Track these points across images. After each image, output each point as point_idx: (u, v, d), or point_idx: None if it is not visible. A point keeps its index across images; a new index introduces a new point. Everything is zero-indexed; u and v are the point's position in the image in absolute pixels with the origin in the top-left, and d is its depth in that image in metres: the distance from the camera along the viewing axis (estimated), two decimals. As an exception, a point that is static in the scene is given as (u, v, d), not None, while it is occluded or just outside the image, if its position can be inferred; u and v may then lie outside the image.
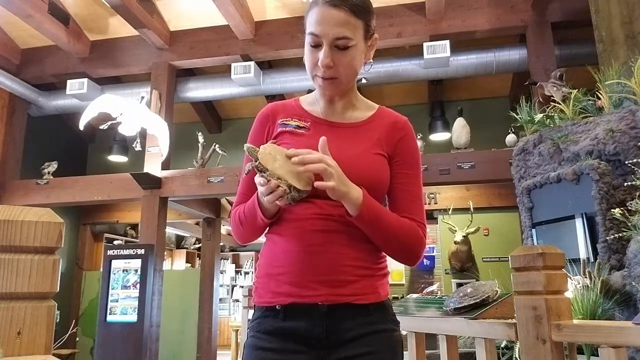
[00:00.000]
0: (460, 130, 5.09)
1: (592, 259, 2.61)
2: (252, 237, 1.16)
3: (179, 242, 10.78)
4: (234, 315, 10.07)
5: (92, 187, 5.63)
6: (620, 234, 2.46)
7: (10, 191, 5.75)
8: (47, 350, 0.85)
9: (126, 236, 8.61)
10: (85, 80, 5.74)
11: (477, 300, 1.70)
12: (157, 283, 5.17)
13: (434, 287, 5.20)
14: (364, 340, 1.03)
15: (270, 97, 6.23)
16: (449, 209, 5.59)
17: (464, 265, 5.60)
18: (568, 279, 1.84)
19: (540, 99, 3.69)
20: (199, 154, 5.65)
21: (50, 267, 0.86)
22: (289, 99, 1.27)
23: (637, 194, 2.46)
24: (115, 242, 7.80)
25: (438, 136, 6.53)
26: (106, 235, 8.00)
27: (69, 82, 5.76)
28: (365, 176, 1.07)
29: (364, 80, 5.02)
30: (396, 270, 6.10)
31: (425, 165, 4.76)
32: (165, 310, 5.44)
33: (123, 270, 5.04)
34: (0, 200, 5.66)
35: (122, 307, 4.94)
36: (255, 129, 1.20)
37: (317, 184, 0.98)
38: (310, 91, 1.25)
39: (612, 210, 2.54)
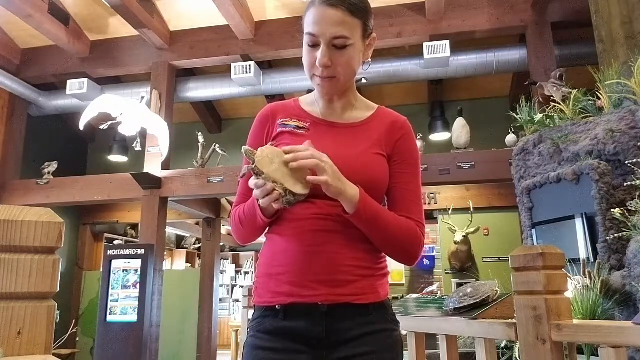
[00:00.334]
0: (460, 130, 5.09)
1: (592, 259, 2.61)
2: (252, 237, 1.16)
3: (179, 242, 10.78)
4: (234, 315, 10.07)
5: (92, 187, 5.63)
6: (620, 234, 2.46)
7: (10, 191, 5.75)
8: (47, 350, 0.85)
9: (126, 236, 8.62)
10: (85, 80, 5.75)
11: (477, 300, 1.70)
12: (157, 283, 5.17)
13: (434, 287, 5.21)
14: (364, 340, 1.03)
15: (270, 97, 6.23)
16: (449, 209, 5.59)
17: (464, 265, 5.60)
18: (568, 279, 1.84)
19: (540, 99, 3.68)
20: (199, 154, 5.65)
21: (50, 267, 0.86)
22: (289, 99, 1.27)
23: (637, 194, 2.46)
24: (115, 242, 7.80)
25: (438, 136, 6.53)
26: (106, 235, 8.00)
27: (69, 82, 5.76)
28: (364, 176, 1.07)
29: (364, 80, 5.03)
30: (396, 270, 6.10)
31: (425, 165, 4.76)
32: (165, 310, 5.44)
33: (123, 270, 5.04)
34: (0, 200, 5.66)
35: (122, 307, 4.94)
36: (255, 129, 1.20)
37: (310, 178, 0.97)
38: (310, 91, 1.26)
39: (612, 210, 2.54)
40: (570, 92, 3.24)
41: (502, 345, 2.59)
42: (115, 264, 5.08)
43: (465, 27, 5.11)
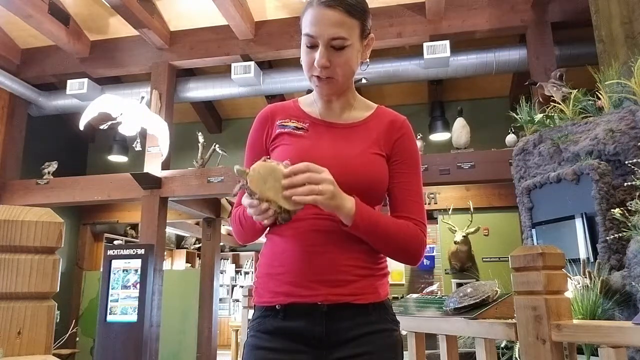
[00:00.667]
0: (460, 130, 5.09)
1: (592, 259, 2.61)
2: (253, 238, 1.16)
3: (179, 242, 10.78)
4: (234, 315, 10.06)
5: (92, 187, 5.63)
6: (620, 234, 2.46)
7: (10, 191, 5.75)
8: (47, 350, 0.85)
9: (126, 236, 8.62)
10: (85, 80, 5.75)
11: (477, 300, 1.70)
12: (157, 283, 5.17)
13: (434, 287, 5.20)
14: (364, 340, 1.04)
15: (270, 97, 6.24)
16: (449, 209, 5.59)
17: (464, 265, 5.60)
18: (568, 279, 1.84)
19: (540, 99, 3.68)
20: (199, 154, 5.65)
21: (50, 267, 0.86)
22: (289, 99, 1.27)
23: (637, 194, 2.46)
24: (115, 242, 7.81)
25: (438, 136, 6.53)
26: (106, 235, 8.00)
27: (69, 82, 5.76)
28: (363, 176, 1.07)
29: (364, 80, 5.03)
30: (396, 270, 6.11)
31: (425, 165, 4.76)
32: (165, 310, 5.44)
33: (123, 270, 5.04)
34: (0, 200, 5.67)
35: (122, 307, 4.94)
36: (255, 130, 1.20)
37: (295, 199, 0.95)
38: (309, 91, 1.26)
39: (612, 210, 2.54)
40: (570, 92, 3.24)
41: (502, 345, 2.59)
42: (115, 264, 5.08)
43: (465, 27, 5.11)
